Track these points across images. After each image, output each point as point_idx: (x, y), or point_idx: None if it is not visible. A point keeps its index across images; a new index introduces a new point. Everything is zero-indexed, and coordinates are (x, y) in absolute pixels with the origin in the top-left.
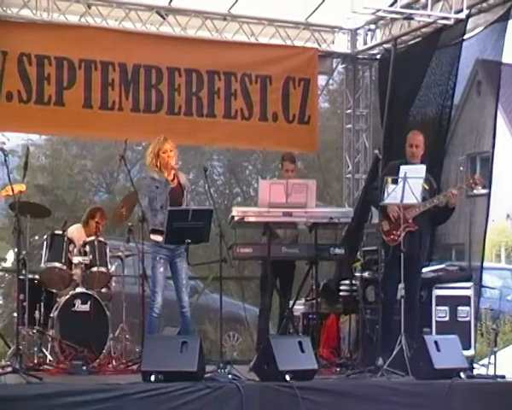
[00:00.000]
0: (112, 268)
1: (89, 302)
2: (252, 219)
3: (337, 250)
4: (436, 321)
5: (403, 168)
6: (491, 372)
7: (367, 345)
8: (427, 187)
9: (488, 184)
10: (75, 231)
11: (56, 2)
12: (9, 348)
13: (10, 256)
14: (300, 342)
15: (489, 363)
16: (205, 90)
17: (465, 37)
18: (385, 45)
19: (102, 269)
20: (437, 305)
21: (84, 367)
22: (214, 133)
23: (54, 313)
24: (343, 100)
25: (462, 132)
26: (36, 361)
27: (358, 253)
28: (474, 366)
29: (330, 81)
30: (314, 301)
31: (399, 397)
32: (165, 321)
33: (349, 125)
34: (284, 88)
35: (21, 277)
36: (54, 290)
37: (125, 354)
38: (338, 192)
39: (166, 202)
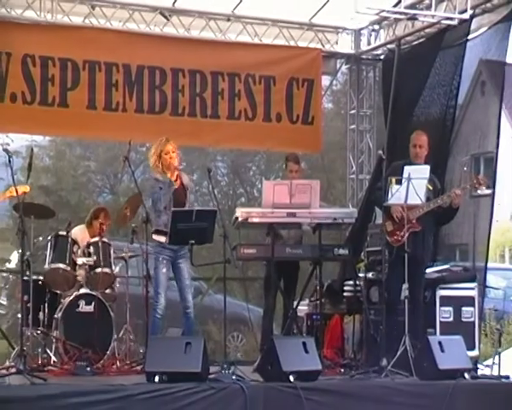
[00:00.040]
0: (116, 269)
1: (93, 303)
2: (255, 220)
3: (341, 251)
4: (440, 322)
5: (407, 169)
6: (495, 373)
7: (371, 346)
8: (431, 187)
9: (492, 185)
10: (79, 232)
11: (60, 3)
12: (14, 349)
13: (14, 257)
14: (304, 343)
15: (493, 363)
16: (209, 90)
17: (469, 37)
18: (389, 46)
19: (106, 270)
20: (441, 305)
21: (88, 368)
22: (218, 134)
23: (58, 314)
24: (347, 100)
25: (466, 133)
26: (40, 362)
27: (362, 253)
28: (479, 366)
29: (334, 82)
30: (318, 302)
31: (403, 398)
32: (168, 322)
33: (353, 126)
34: (288, 88)
35: (25, 278)
36: (58, 291)
37: (129, 354)
38: (342, 193)
39: (170, 203)
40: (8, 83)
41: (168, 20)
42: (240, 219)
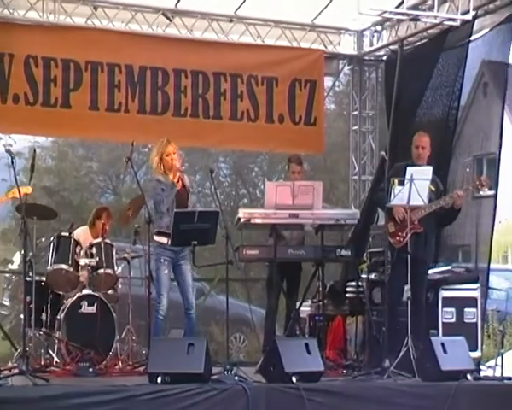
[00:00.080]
0: (118, 270)
1: (95, 304)
2: (258, 221)
3: (343, 252)
4: (443, 323)
5: (409, 170)
6: (497, 374)
7: (373, 347)
8: (433, 189)
9: (495, 186)
10: (81, 233)
11: (63, 4)
12: (16, 349)
13: (17, 258)
14: (307, 344)
15: (496, 365)
16: (211, 91)
17: (471, 38)
18: (391, 47)
19: (109, 271)
20: (443, 306)
21: (91, 369)
22: (220, 135)
23: (60, 315)
24: (349, 101)
25: (468, 134)
26: (42, 363)
27: (365, 254)
28: (481, 367)
29: (336, 83)
30: (320, 303)
31: (406, 399)
32: (170, 323)
33: (355, 127)
34: (290, 90)
35: (28, 279)
36: (60, 292)
37: (132, 355)
38: (344, 194)
39: (173, 205)
40: (10, 84)
41: (171, 21)
42: (242, 220)
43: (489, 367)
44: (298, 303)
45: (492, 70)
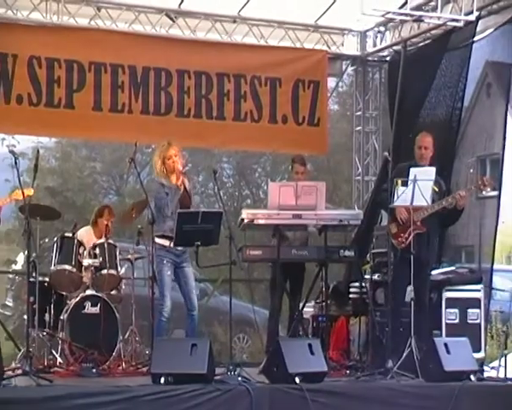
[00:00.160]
0: (121, 270)
1: (99, 305)
2: (261, 222)
3: (347, 252)
4: (446, 323)
5: (413, 170)
6: (501, 375)
7: (377, 347)
8: (436, 189)
9: (498, 186)
10: (85, 234)
11: (66, 5)
12: (20, 350)
13: (20, 259)
14: (310, 345)
15: (499, 365)
16: (214, 92)
17: (475, 39)
18: (394, 47)
19: (112, 271)
20: (447, 307)
21: (94, 369)
22: (224, 136)
23: (64, 316)
24: (353, 102)
25: (471, 134)
26: (46, 364)
27: (368, 255)
28: (484, 368)
29: (340, 83)
30: (324, 304)
31: (409, 399)
32: (174, 324)
33: (359, 128)
34: (294, 90)
35: (31, 279)
36: (64, 293)
37: (135, 356)
38: (347, 194)
39: (177, 209)
40: (14, 85)
41: (174, 21)
42: (246, 221)
43: (492, 368)
44: (301, 304)
45: (496, 71)
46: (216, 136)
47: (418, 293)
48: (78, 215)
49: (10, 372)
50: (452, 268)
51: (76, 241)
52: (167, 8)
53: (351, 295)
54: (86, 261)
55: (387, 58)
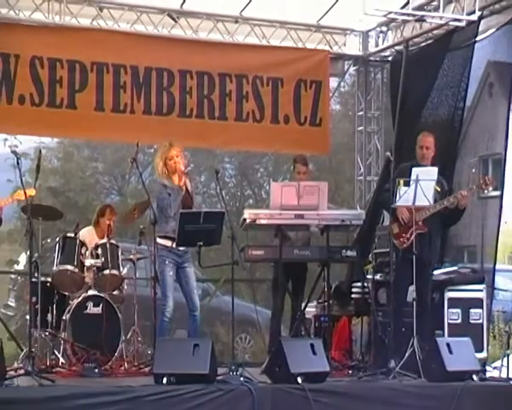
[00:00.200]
0: (124, 271)
1: (101, 305)
2: (263, 222)
3: (349, 252)
4: (448, 323)
5: (415, 170)
6: (503, 375)
7: (379, 347)
8: (438, 189)
9: (500, 186)
10: (87, 234)
11: (68, 5)
12: (22, 350)
13: (23, 259)
14: (312, 345)
15: (501, 365)
16: (216, 92)
17: (477, 38)
18: (396, 47)
19: (114, 272)
20: (449, 307)
21: (97, 370)
22: (226, 136)
23: (66, 316)
24: (355, 102)
25: (474, 134)
26: (48, 364)
27: (370, 255)
28: (487, 368)
29: (342, 83)
30: (326, 304)
31: (411, 399)
32: (176, 324)
33: (361, 128)
34: (296, 90)
35: (34, 279)
36: (66, 293)
37: (137, 356)
38: (350, 194)
39: (179, 209)
40: (16, 85)
41: (176, 22)
42: (248, 221)
43: (495, 368)
44: (303, 304)
45: (498, 70)
46: (218, 136)
47: (420, 293)
48: (81, 215)
49: (13, 372)
50: (454, 268)
51: (78, 241)
52: (169, 9)
53: (353, 296)
54: (88, 261)
55: (389, 58)
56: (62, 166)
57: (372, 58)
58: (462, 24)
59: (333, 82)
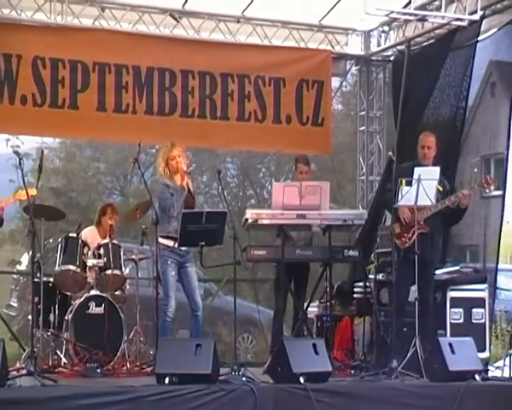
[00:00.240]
0: (126, 271)
1: (103, 305)
2: (265, 222)
3: (351, 252)
4: (450, 323)
5: (417, 170)
6: (506, 375)
7: (381, 347)
8: (441, 189)
9: (503, 186)
10: (89, 234)
11: (70, 5)
12: (24, 350)
13: (25, 259)
14: (314, 345)
15: (504, 365)
16: (218, 92)
17: (479, 38)
18: (398, 47)
19: (116, 272)
20: (451, 307)
21: (99, 370)
22: (228, 136)
23: (68, 316)
24: (357, 102)
25: (476, 134)
26: (50, 364)
27: (372, 255)
28: (489, 368)
29: (344, 83)
30: (328, 304)
31: (413, 399)
32: (178, 324)
33: (363, 127)
34: (298, 90)
35: (36, 280)
36: (68, 293)
37: (140, 356)
38: (352, 194)
39: (182, 209)
40: (18, 85)
41: (178, 22)
42: (250, 221)
43: (497, 368)
44: (305, 304)
45: (500, 70)
46: (220, 136)
47: (422, 293)
48: (83, 216)
49: (15, 373)
50: (457, 268)
51: (80, 241)
52: (171, 9)
53: (355, 295)
54: (90, 262)
55: (391, 58)
56: (64, 167)
57: (374, 58)
58: (464, 23)
59: (335, 82)
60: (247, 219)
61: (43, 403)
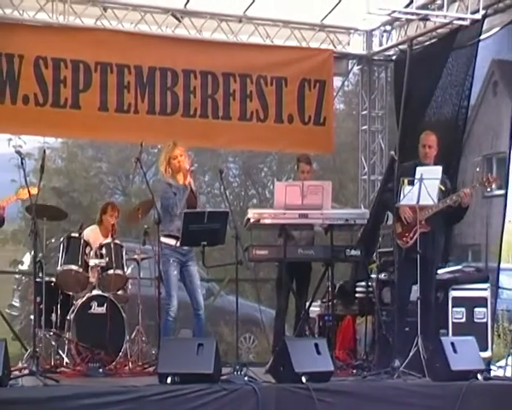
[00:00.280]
0: (128, 270)
1: (105, 305)
2: (267, 221)
3: (353, 252)
4: (453, 322)
5: (419, 170)
6: (508, 374)
7: (383, 347)
8: (443, 188)
9: (505, 185)
10: (91, 233)
11: (72, 5)
12: (26, 350)
13: (27, 259)
14: (316, 344)
15: (506, 364)
16: (220, 92)
17: (481, 37)
18: (400, 46)
19: (119, 271)
20: (453, 306)
21: (101, 369)
22: (230, 135)
23: (70, 316)
24: (359, 101)
25: (478, 133)
26: (52, 363)
27: (374, 254)
28: (491, 367)
29: (346, 82)
30: (330, 303)
31: (416, 399)
32: (180, 323)
33: (365, 127)
34: (300, 90)
35: (38, 279)
36: (70, 293)
37: (142, 356)
38: (353, 194)
39: (184, 208)
40: (20, 85)
41: (180, 21)
42: (252, 221)
43: (499, 367)
44: (307, 303)
45: (502, 69)
46: (222, 136)
47: (424, 292)
48: (85, 215)
49: (17, 372)
50: (459, 267)
51: (82, 241)
52: (173, 8)
53: (357, 295)
54: (93, 261)
55: (393, 57)
56: (66, 167)
57: (376, 57)
58: (467, 23)
59: (337, 81)
60: (249, 219)
61: (45, 403)
